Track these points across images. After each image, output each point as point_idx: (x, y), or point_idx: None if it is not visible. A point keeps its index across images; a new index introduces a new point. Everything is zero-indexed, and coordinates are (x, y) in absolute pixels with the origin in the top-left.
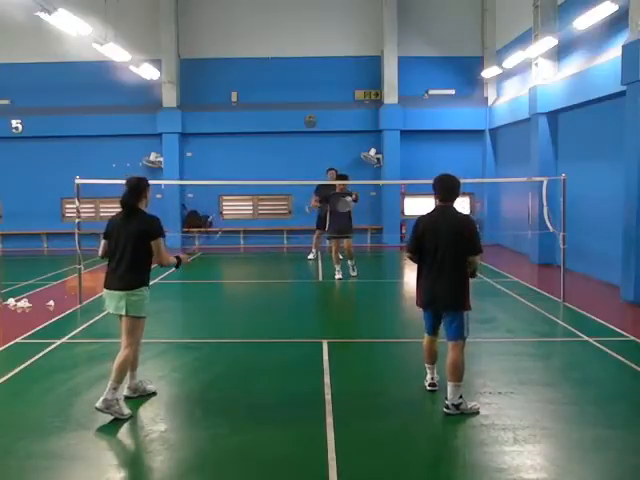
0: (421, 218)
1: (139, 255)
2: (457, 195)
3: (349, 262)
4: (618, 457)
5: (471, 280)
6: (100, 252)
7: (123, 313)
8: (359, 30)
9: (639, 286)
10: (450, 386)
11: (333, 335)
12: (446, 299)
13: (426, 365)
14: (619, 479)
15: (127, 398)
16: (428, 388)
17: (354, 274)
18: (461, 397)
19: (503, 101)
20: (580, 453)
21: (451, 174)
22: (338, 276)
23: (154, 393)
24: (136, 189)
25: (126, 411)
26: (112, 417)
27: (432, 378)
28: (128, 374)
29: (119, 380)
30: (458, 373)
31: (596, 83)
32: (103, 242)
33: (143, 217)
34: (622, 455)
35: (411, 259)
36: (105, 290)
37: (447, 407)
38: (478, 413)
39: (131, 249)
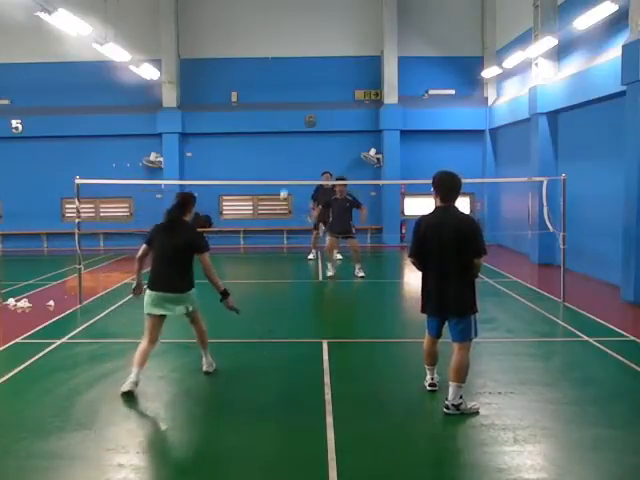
0: (421, 220)
1: (187, 263)
2: (458, 195)
3: (357, 265)
4: (618, 457)
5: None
6: (139, 254)
7: (182, 311)
8: (359, 30)
9: (639, 286)
10: (452, 387)
11: (333, 335)
12: (455, 306)
13: (426, 367)
14: (619, 479)
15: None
16: (428, 388)
17: (361, 275)
18: (461, 397)
19: (503, 101)
20: (580, 453)
21: (452, 172)
22: (330, 273)
23: None
24: (184, 203)
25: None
26: (113, 417)
27: (432, 378)
28: (136, 370)
29: (206, 344)
30: (462, 375)
31: (596, 83)
32: (144, 247)
33: (190, 230)
34: (622, 455)
35: (414, 264)
36: (154, 292)
37: (447, 407)
38: (478, 413)
39: (179, 258)
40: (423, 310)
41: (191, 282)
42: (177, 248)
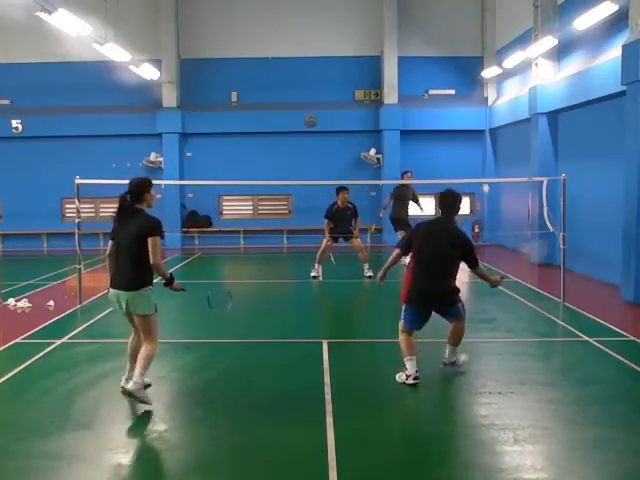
0: (422, 224)
1: (141, 254)
2: (456, 210)
3: (364, 265)
4: (618, 457)
5: (472, 279)
6: (107, 251)
7: (132, 312)
8: (359, 30)
9: (639, 286)
10: (450, 349)
11: (333, 335)
12: (446, 299)
13: (408, 359)
14: (619, 479)
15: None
16: (411, 382)
17: (369, 274)
18: (455, 357)
19: (503, 101)
20: (580, 453)
21: (451, 191)
22: (313, 274)
23: (149, 385)
24: (137, 189)
25: (149, 400)
26: (113, 417)
27: (416, 371)
28: (128, 366)
29: (146, 368)
30: (458, 339)
31: (596, 83)
32: (110, 243)
33: (144, 217)
34: (622, 455)
35: (395, 255)
36: (111, 289)
37: (444, 364)
38: (466, 361)
39: (133, 249)
40: (407, 301)
41: (145, 278)
42: (132, 239)
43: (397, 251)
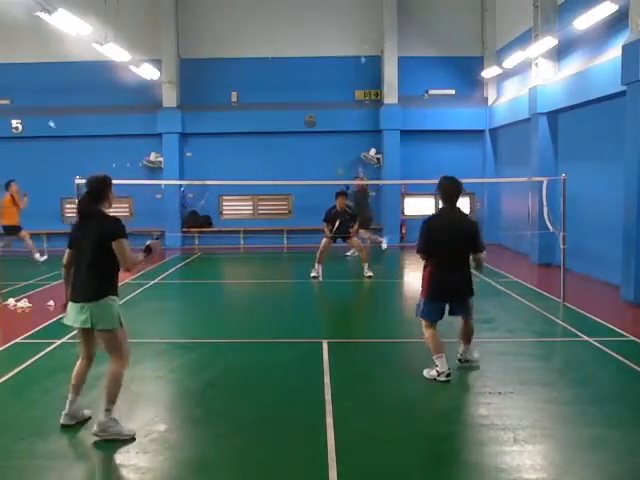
0: (430, 220)
1: (102, 261)
2: (459, 197)
3: (364, 265)
4: (617, 457)
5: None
6: (64, 260)
7: (89, 326)
8: (359, 30)
9: (639, 286)
10: (464, 347)
11: (333, 335)
12: (466, 290)
13: (436, 356)
14: (618, 479)
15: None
16: (444, 379)
17: (369, 274)
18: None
19: (503, 101)
20: (580, 453)
21: (453, 177)
22: (313, 274)
23: (89, 418)
24: (95, 189)
25: (126, 430)
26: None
27: (449, 368)
28: (70, 398)
29: (113, 400)
30: (471, 336)
31: (596, 83)
32: (67, 251)
33: (103, 219)
34: (621, 455)
35: (424, 259)
36: (69, 303)
37: (460, 361)
38: (479, 368)
39: (93, 255)
40: (429, 296)
41: (106, 288)
42: (94, 244)
43: (422, 256)
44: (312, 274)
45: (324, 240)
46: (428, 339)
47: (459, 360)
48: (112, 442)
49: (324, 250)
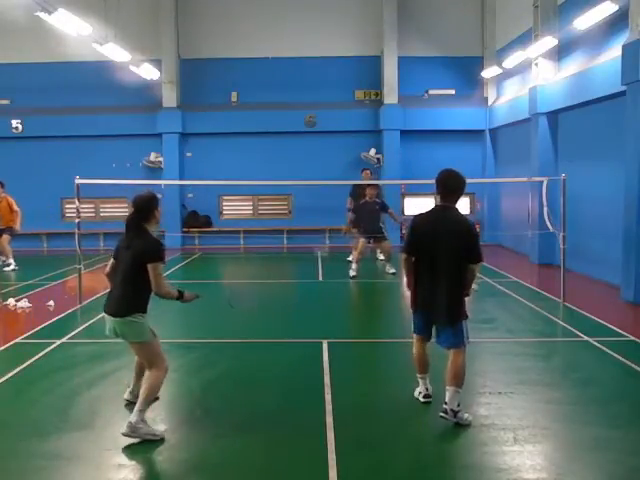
0: (418, 218)
1: (136, 278)
2: (460, 196)
3: (387, 264)
4: (618, 457)
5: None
6: (106, 270)
7: (124, 340)
8: (359, 30)
9: (639, 286)
10: (450, 391)
11: (333, 335)
12: (444, 314)
13: (418, 376)
14: (619, 479)
15: (129, 403)
16: (422, 400)
17: (392, 271)
18: (459, 405)
19: (503, 101)
20: (580, 453)
21: (457, 172)
22: (353, 274)
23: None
24: (142, 207)
25: (159, 430)
26: (113, 417)
27: (427, 389)
28: (133, 380)
29: (148, 403)
30: (459, 379)
31: (596, 83)
32: (111, 261)
33: (146, 238)
34: (622, 455)
35: (405, 261)
36: (104, 313)
37: (445, 412)
38: (470, 425)
39: (129, 271)
40: (412, 305)
41: (134, 305)
42: (132, 261)
43: (404, 256)
44: (351, 274)
45: (360, 242)
46: (413, 354)
47: (444, 412)
48: (112, 442)
49: (362, 253)
